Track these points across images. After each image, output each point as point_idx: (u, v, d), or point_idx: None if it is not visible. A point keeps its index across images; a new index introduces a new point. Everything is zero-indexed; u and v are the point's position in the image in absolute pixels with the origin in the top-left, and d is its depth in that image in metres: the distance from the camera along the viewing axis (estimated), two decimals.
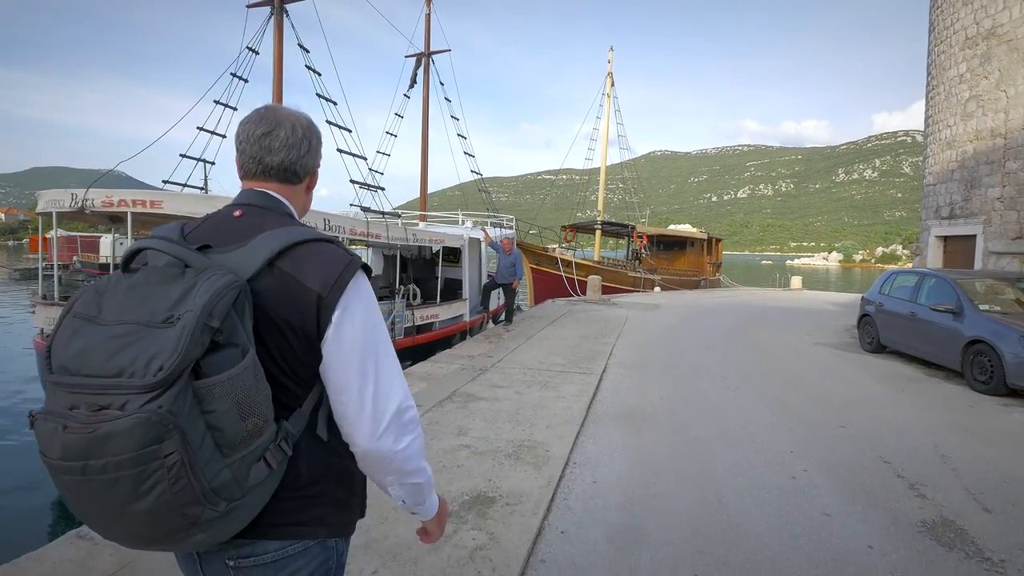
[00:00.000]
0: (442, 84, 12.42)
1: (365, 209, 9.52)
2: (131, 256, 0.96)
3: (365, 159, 7.42)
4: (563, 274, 19.17)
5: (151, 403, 0.79)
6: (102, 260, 30.76)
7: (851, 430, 5.04)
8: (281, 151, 1.08)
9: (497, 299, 11.59)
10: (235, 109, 8.32)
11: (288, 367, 0.98)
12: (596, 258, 22.42)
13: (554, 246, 20.95)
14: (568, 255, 20.04)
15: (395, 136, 13.08)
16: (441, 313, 9.73)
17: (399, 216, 7.78)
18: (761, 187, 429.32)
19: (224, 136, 8.39)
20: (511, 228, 14.86)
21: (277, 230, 0.99)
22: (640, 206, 25.73)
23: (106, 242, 30.67)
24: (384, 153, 13.14)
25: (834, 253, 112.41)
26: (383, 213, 7.37)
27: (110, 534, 0.91)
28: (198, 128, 7.96)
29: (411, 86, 12.63)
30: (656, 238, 22.90)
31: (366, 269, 1.05)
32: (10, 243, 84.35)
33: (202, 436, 0.84)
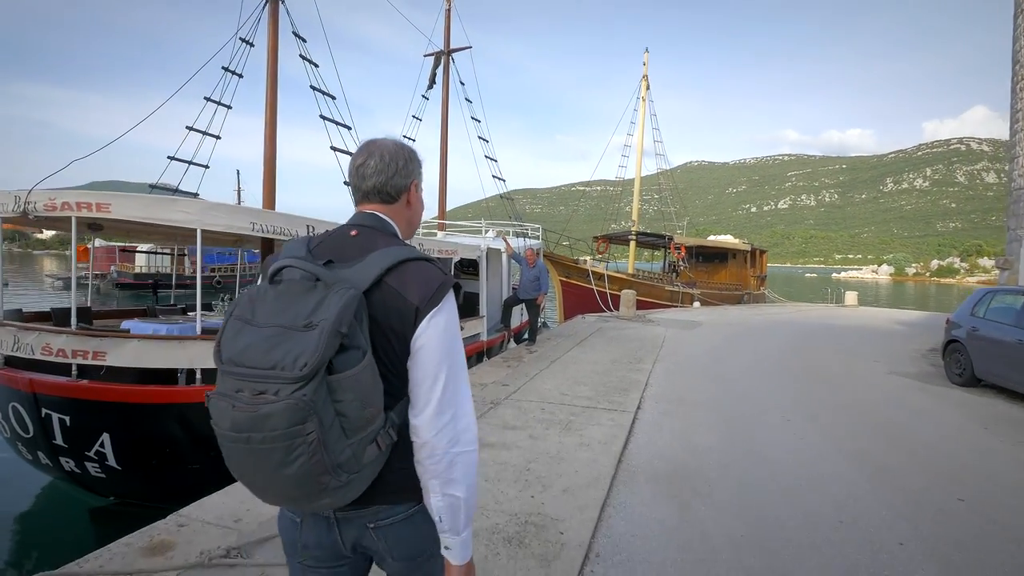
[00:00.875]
0: (463, 84, 11.64)
1: None
2: (276, 271, 1.16)
3: (349, 126, 6.47)
4: (594, 287, 17.99)
5: (298, 392, 1.00)
6: (137, 270, 31.24)
7: (974, 505, 3.76)
8: (372, 177, 1.27)
9: (520, 316, 10.55)
10: (229, 107, 7.60)
11: (392, 365, 1.15)
12: (630, 271, 21.12)
13: (585, 258, 19.80)
14: (600, 267, 18.85)
15: (413, 140, 12.28)
16: None
17: None
18: (803, 197, 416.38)
19: (218, 137, 7.68)
20: (537, 238, 13.82)
21: (385, 249, 1.18)
22: (677, 215, 24.29)
23: (142, 255, 31.14)
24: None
25: (884, 266, 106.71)
26: None
27: (263, 493, 1.14)
28: (188, 128, 7.26)
29: (430, 86, 11.84)
30: (695, 249, 21.46)
31: (457, 287, 1.23)
32: (66, 252, 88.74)
33: (332, 420, 1.04)
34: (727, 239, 24.68)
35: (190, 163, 7.47)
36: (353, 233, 1.23)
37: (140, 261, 31.17)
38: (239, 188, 36.99)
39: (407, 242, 1.28)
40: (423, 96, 11.98)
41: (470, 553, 1.22)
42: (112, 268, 31.99)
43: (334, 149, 6.37)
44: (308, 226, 5.32)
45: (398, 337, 1.14)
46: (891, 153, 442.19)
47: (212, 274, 32.52)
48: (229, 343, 1.08)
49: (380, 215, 1.28)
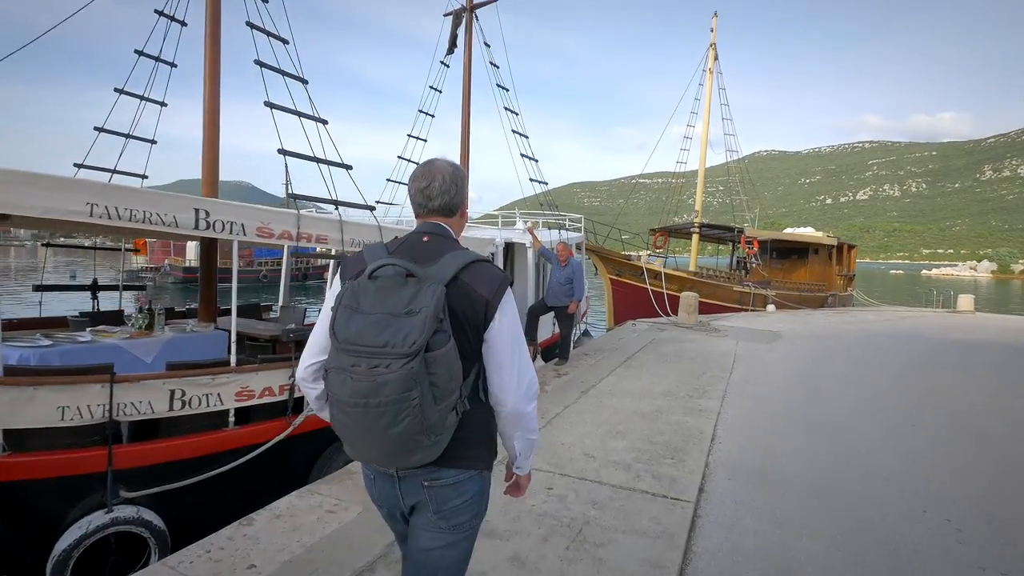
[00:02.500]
0: (487, 45, 9.73)
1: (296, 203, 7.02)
2: (376, 269, 1.42)
3: (323, 122, 4.70)
4: (649, 287, 15.66)
5: (407, 365, 1.28)
6: (187, 263, 31.53)
7: None
8: (437, 198, 1.59)
9: (552, 327, 8.54)
10: (174, 65, 6.03)
11: (464, 346, 1.45)
12: (692, 268, 18.54)
13: (640, 253, 17.46)
14: (656, 264, 16.47)
15: (432, 116, 10.51)
16: None
17: (372, 209, 4.98)
18: (886, 188, 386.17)
19: (163, 104, 6.16)
20: (578, 230, 11.70)
21: (455, 252, 1.50)
22: (749, 205, 21.32)
23: (191, 245, 31.37)
24: (420, 139, 10.60)
25: (984, 262, 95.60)
26: (333, 204, 4.62)
27: (366, 452, 1.44)
28: (116, 90, 5.75)
29: (450, 51, 10.02)
30: (769, 244, 18.56)
31: (511, 283, 1.55)
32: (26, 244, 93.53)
33: (428, 389, 1.33)
34: (807, 232, 21.47)
35: (128, 137, 5.99)
36: (425, 239, 1.55)
37: (190, 254, 31.42)
38: (288, 181, 36.84)
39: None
40: (442, 63, 10.20)
41: (530, 466, 1.73)
42: (166, 261, 32.52)
43: (269, 105, 4.60)
44: (197, 209, 3.60)
45: (471, 324, 1.46)
46: (990, 138, 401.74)
47: (259, 268, 32.37)
48: (342, 327, 1.36)
49: (443, 224, 1.61)
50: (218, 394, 3.77)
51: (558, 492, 3.71)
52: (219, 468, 3.69)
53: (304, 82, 5.15)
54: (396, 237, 1.61)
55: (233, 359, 4.11)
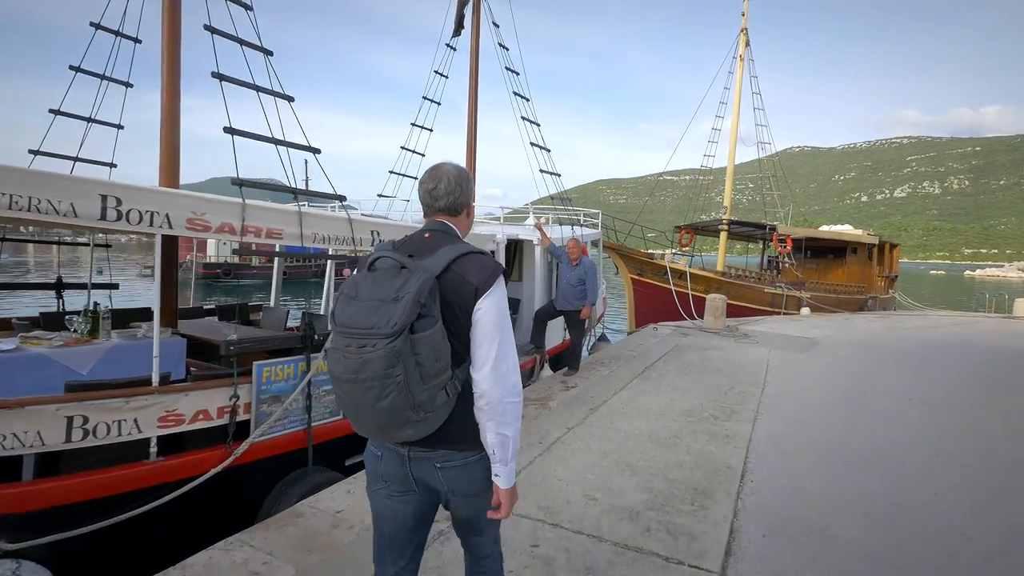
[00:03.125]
0: (496, 26, 8.95)
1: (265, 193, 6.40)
2: (373, 261, 1.58)
3: (287, 98, 4.02)
4: (673, 288, 14.70)
5: (389, 344, 1.41)
6: (207, 259, 31.62)
7: None
8: (443, 198, 1.72)
9: (563, 333, 7.76)
10: (138, 41, 5.44)
11: (457, 332, 1.56)
12: (719, 267, 17.46)
13: (663, 252, 16.50)
14: (681, 263, 15.49)
15: (438, 104, 9.80)
16: None
17: (342, 200, 4.29)
18: (925, 185, 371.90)
19: (128, 85, 5.58)
20: (595, 226, 10.86)
21: (451, 245, 1.63)
22: (782, 200, 20.02)
23: (212, 243, 31.47)
24: (426, 128, 9.89)
25: None
26: (301, 194, 3.96)
27: (363, 425, 1.56)
28: (72, 68, 5.17)
29: (456, 32, 9.29)
30: (804, 242, 17.34)
31: (506, 273, 1.66)
32: None
33: (413, 368, 1.45)
34: (845, 229, 20.10)
35: (89, 121, 5.42)
36: (427, 236, 1.69)
37: (211, 250, 31.52)
38: (307, 179, 36.68)
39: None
40: (448, 46, 9.48)
41: (513, 480, 1.64)
42: (188, 256, 32.71)
43: (218, 77, 3.93)
44: (105, 196, 2.93)
45: (462, 310, 1.56)
46: None
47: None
48: (340, 312, 1.52)
49: (447, 223, 1.74)
50: (134, 420, 3.11)
51: (545, 551, 2.95)
52: (132, 510, 3.03)
53: (268, 53, 4.48)
54: (407, 236, 1.76)
55: (173, 374, 3.47)
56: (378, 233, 4.52)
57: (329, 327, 1.67)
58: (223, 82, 4.05)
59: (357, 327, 1.46)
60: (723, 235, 17.71)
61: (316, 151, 4.43)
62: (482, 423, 1.59)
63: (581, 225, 9.16)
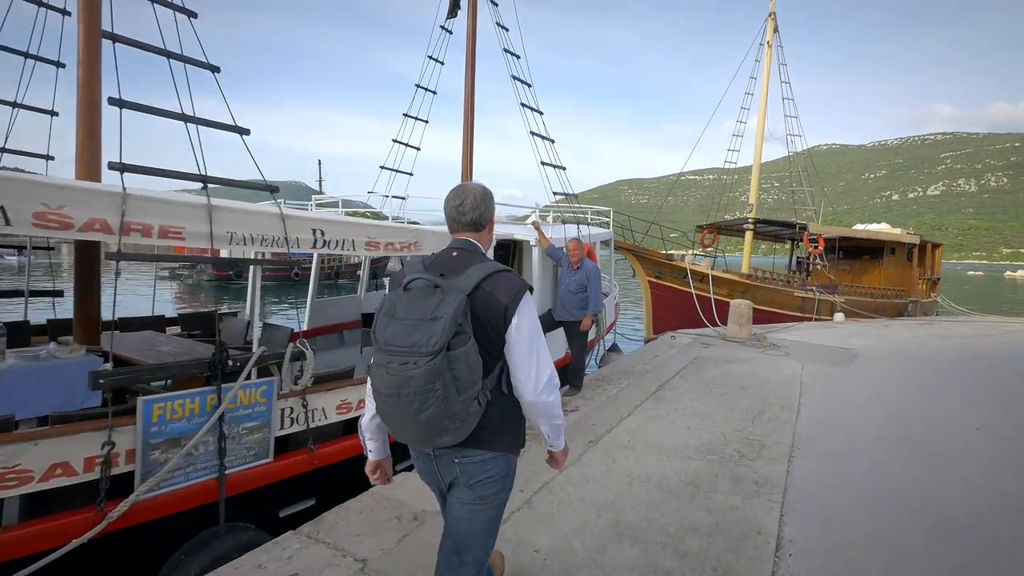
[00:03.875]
0: (495, 4, 8.08)
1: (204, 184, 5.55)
2: (409, 282, 1.71)
3: (213, 69, 3.22)
4: (693, 291, 13.64)
5: (431, 361, 1.53)
6: (224, 253, 31.36)
7: None
8: (468, 213, 1.86)
9: (567, 346, 6.84)
10: (67, 13, 4.72)
11: (487, 346, 1.70)
12: (745, 269, 16.30)
13: (683, 252, 15.45)
14: (703, 265, 14.42)
15: (435, 93, 8.99)
16: None
17: (274, 191, 3.46)
18: (960, 182, 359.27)
19: (61, 65, 4.88)
20: (606, 225, 9.91)
21: (480, 264, 1.76)
22: (813, 197, 18.68)
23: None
24: (421, 119, 9.09)
25: None
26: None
27: (403, 434, 1.70)
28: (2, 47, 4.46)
29: (451, 13, 8.46)
30: (838, 242, 16.07)
31: (531, 289, 1.79)
32: None
33: (451, 382, 1.58)
34: (882, 228, 18.71)
35: (16, 107, 4.72)
36: (455, 254, 1.82)
37: (223, 251, 31.29)
38: (320, 179, 36.34)
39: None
40: (443, 28, 8.66)
41: (563, 443, 1.99)
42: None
43: (166, 55, 3.14)
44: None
45: (492, 326, 1.70)
46: None
47: (307, 266, 31.91)
48: (381, 331, 1.65)
49: (471, 240, 1.88)
50: None
51: None
52: None
53: (191, 15, 3.70)
54: (432, 253, 2.20)
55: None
56: (322, 232, 3.70)
57: (371, 345, 1.65)
58: (116, 42, 3.28)
59: (399, 346, 1.59)
60: (748, 235, 16.54)
61: (244, 131, 3.63)
62: (532, 419, 1.86)
63: (588, 224, 8.26)
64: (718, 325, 12.35)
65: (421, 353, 1.54)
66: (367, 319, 8.24)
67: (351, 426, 4.14)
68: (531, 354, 1.72)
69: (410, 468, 3.75)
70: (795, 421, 5.44)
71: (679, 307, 14.19)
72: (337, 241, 3.77)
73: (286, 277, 30.19)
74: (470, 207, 1.86)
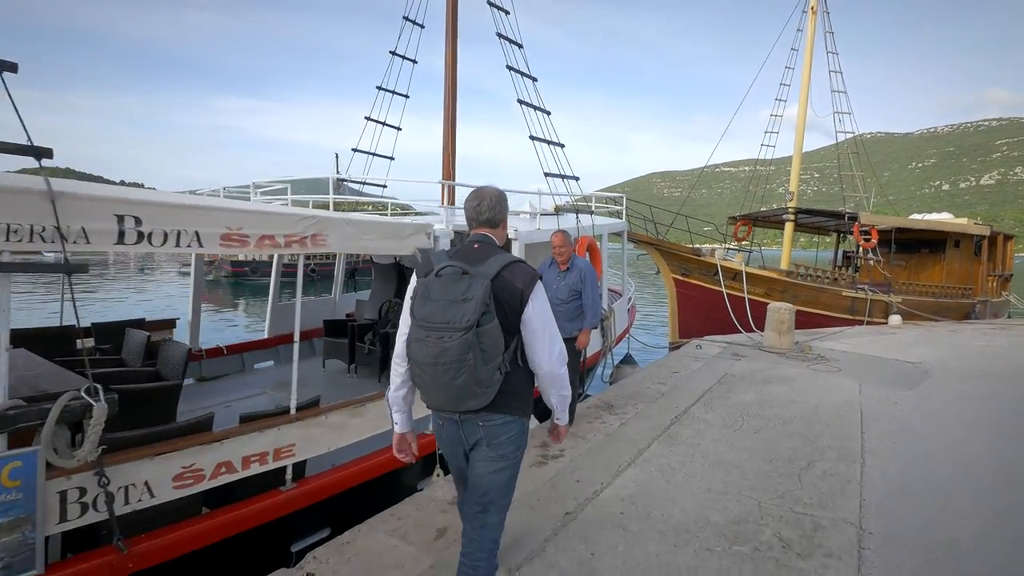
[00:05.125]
0: None
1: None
2: (440, 269, 1.94)
3: None
4: (724, 291, 12.04)
5: (464, 336, 1.82)
6: (236, 256, 30.99)
7: None
8: (485, 213, 2.16)
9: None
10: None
11: (506, 326, 1.98)
12: (784, 265, 14.52)
13: (713, 247, 13.80)
14: (735, 261, 12.77)
15: (415, 62, 7.71)
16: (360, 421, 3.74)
17: (47, 155, 2.18)
18: (1017, 170, 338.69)
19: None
20: (618, 215, 8.45)
21: (499, 255, 2.06)
22: (865, 183, 16.58)
23: None
24: (400, 94, 7.81)
25: None
26: None
27: (437, 399, 2.00)
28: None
29: None
30: (893, 234, 14.10)
31: (540, 278, 2.11)
32: None
33: (479, 354, 1.87)
34: (944, 217, 16.54)
35: None
36: (476, 246, 2.11)
37: None
38: (337, 172, 35.51)
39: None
40: None
41: (567, 418, 2.36)
42: (219, 256, 32.26)
43: None
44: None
45: (510, 308, 1.99)
46: None
47: (308, 262, 31.30)
48: (419, 309, 1.92)
49: (488, 235, 2.17)
50: None
51: None
52: None
53: None
54: (452, 244, 2.47)
55: None
56: (137, 220, 2.43)
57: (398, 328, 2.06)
58: None
59: (435, 322, 1.87)
60: (789, 227, 14.71)
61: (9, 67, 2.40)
62: (544, 390, 2.20)
63: (592, 213, 6.85)
64: (753, 331, 10.73)
65: (455, 328, 1.83)
66: (335, 328, 7.01)
67: (210, 497, 2.89)
68: (544, 331, 2.06)
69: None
70: (859, 478, 3.96)
71: (708, 308, 12.57)
72: (167, 234, 2.51)
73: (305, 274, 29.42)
74: (487, 208, 2.16)
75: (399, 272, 7.28)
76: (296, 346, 3.26)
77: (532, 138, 5.98)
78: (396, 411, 2.20)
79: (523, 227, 5.34)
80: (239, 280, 30.21)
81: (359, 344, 6.59)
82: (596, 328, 4.86)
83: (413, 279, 2.11)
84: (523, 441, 2.15)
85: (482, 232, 2.16)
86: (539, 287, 2.05)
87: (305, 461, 3.30)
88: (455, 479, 2.34)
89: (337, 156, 36.29)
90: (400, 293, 7.35)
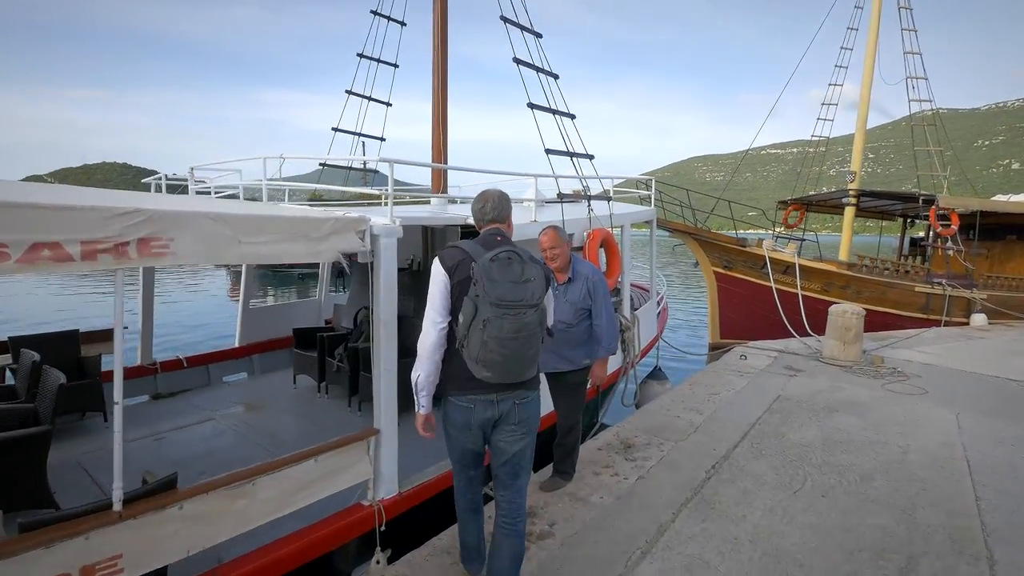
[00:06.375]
0: None
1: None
2: (494, 255, 2.12)
3: None
4: (774, 286, 10.51)
5: (535, 311, 2.09)
6: None
7: None
8: (489, 213, 2.42)
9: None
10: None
11: None
12: (844, 257, 12.76)
13: (762, 234, 12.21)
14: (787, 252, 11.17)
15: (403, 24, 6.57)
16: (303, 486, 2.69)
17: None
18: None
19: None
20: (647, 200, 7.10)
21: (521, 248, 2.24)
22: (943, 159, 14.41)
23: None
24: (387, 63, 6.68)
25: None
26: None
27: (507, 373, 2.13)
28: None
29: None
30: (978, 219, 12.10)
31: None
32: None
33: (541, 327, 2.16)
34: None
35: None
36: (499, 238, 2.35)
37: None
38: (364, 163, 34.70)
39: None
40: None
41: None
42: None
43: None
44: None
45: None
46: None
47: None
48: (491, 290, 2.03)
49: (502, 229, 2.43)
50: None
51: None
52: None
53: None
54: (477, 235, 2.45)
55: None
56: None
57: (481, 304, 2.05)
58: None
59: (510, 300, 2.04)
60: (849, 211, 12.88)
61: None
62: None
63: (610, 199, 5.55)
64: (808, 334, 9.21)
65: (528, 305, 2.06)
66: (307, 337, 5.99)
67: None
68: (552, 300, 2.46)
69: None
70: None
71: (755, 306, 11.06)
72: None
73: (284, 274, 28.49)
74: (491, 208, 2.42)
75: None
76: (117, 404, 2.15)
77: (531, 106, 4.76)
78: (425, 395, 2.33)
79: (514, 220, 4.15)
80: (269, 272, 30.01)
81: (329, 359, 5.56)
82: (614, 353, 3.64)
83: (436, 269, 2.29)
84: (539, 412, 2.43)
85: (494, 227, 2.42)
86: (552, 276, 2.46)
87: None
88: (464, 463, 2.47)
89: (364, 144, 35.67)
90: None
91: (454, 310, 2.22)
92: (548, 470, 3.82)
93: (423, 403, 2.34)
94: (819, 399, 5.59)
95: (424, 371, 2.28)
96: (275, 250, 2.54)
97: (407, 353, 2.78)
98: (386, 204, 3.33)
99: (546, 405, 3.84)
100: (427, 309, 2.27)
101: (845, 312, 7.04)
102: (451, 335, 2.25)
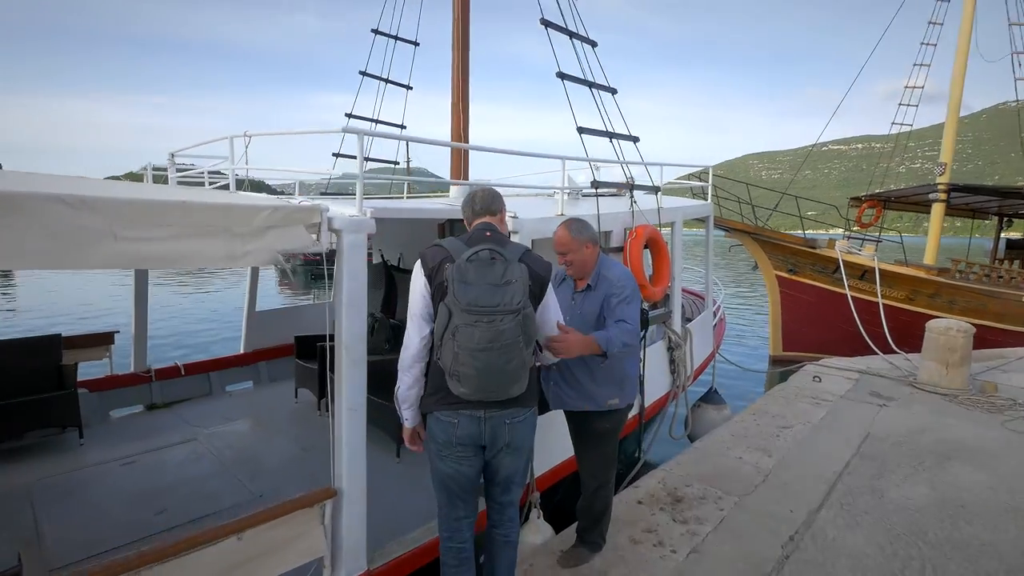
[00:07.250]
0: None
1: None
2: (472, 255, 1.91)
3: None
4: (848, 294, 9.21)
5: (515, 318, 1.84)
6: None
7: None
8: (479, 203, 2.18)
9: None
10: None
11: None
12: (931, 261, 11.16)
13: (832, 234, 10.84)
14: (864, 254, 9.79)
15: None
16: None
17: None
18: None
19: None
20: (702, 193, 6.09)
21: (514, 244, 2.12)
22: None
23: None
24: (406, 40, 5.94)
25: None
26: None
27: (485, 389, 1.89)
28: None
29: None
30: None
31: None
32: None
33: (522, 335, 1.88)
34: None
35: None
36: (488, 234, 2.09)
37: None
38: (408, 160, 34.55)
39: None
40: None
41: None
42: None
43: None
44: None
45: (534, 294, 2.03)
46: None
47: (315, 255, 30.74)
48: (462, 294, 1.85)
49: (492, 223, 2.15)
50: None
51: None
52: None
53: None
54: (466, 231, 2.18)
55: None
56: None
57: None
58: None
59: (484, 305, 1.83)
60: (937, 209, 11.28)
61: None
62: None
63: (658, 191, 4.60)
64: (893, 351, 7.88)
65: (506, 311, 1.83)
66: (305, 347, 5.35)
67: None
68: (557, 312, 2.24)
69: None
70: None
71: (825, 316, 9.76)
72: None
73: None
74: (480, 200, 2.18)
75: (387, 275, 5.48)
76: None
77: (561, 76, 3.90)
78: (408, 408, 2.16)
79: (527, 212, 3.27)
80: (311, 269, 30.32)
81: (330, 373, 4.88)
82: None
83: (417, 271, 2.09)
84: (534, 430, 2.20)
85: (485, 221, 2.17)
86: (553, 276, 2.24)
87: None
88: (449, 495, 2.15)
89: (408, 145, 35.49)
90: (389, 304, 5.53)
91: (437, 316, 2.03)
92: (569, 533, 2.97)
93: (407, 416, 2.17)
94: (923, 440, 4.46)
95: (404, 384, 2.12)
96: (174, 249, 1.80)
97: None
98: (393, 195, 2.58)
99: (567, 448, 2.97)
100: (408, 316, 2.10)
101: (949, 329, 5.79)
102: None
